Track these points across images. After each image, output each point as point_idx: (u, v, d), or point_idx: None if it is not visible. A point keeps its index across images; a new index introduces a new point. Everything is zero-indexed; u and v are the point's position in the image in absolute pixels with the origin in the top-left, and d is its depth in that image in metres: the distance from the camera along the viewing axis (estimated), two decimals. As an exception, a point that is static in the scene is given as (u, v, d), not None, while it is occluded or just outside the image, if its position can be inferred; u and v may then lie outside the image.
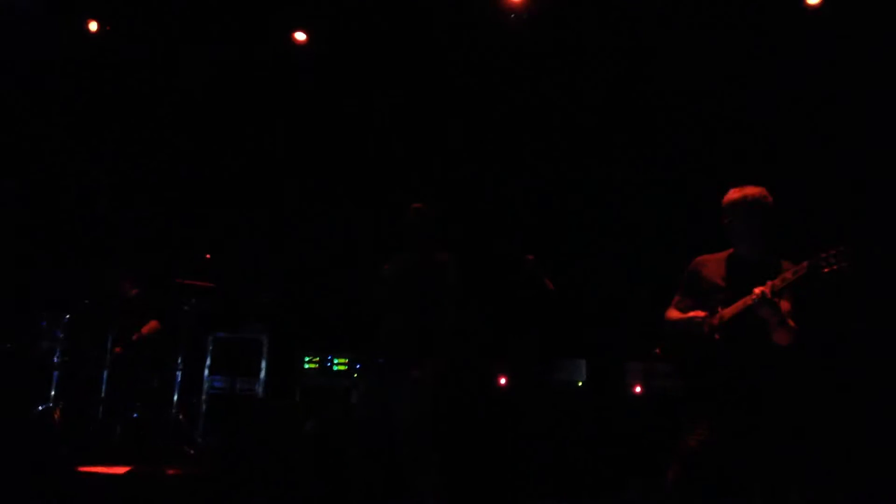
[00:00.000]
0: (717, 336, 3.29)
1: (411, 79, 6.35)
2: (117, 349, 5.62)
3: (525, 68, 6.06)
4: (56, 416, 5.16)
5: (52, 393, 5.31)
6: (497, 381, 5.65)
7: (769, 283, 3.05)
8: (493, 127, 6.34)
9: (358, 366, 5.81)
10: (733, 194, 3.42)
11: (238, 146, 6.93)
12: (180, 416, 5.74)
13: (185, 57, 6.45)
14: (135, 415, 5.58)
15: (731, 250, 3.49)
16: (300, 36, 6.22)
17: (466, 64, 6.10)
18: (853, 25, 5.19)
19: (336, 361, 5.92)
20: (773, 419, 3.26)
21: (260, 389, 5.95)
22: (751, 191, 3.38)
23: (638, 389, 5.39)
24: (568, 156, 6.26)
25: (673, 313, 3.54)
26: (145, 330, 5.78)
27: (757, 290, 3.05)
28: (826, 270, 2.95)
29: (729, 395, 3.29)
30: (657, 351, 3.66)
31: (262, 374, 5.98)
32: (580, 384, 5.55)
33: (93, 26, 6.23)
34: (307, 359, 5.96)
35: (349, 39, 6.22)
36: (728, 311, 3.30)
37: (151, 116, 6.81)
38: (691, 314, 3.42)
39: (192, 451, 5.67)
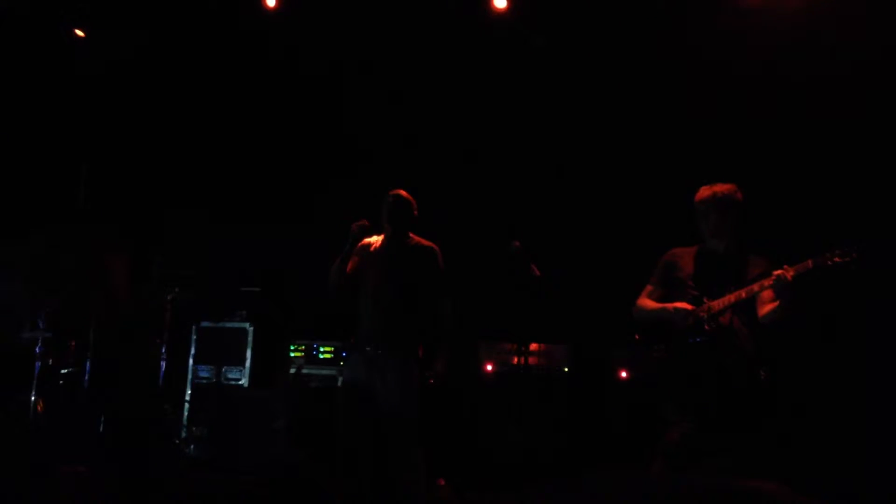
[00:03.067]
0: (707, 327, 3.39)
1: (397, 61, 6.29)
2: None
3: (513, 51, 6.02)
4: (39, 409, 5.13)
5: (34, 384, 5.28)
6: (483, 368, 5.65)
7: (787, 266, 3.21)
8: (475, 109, 6.29)
9: (344, 353, 5.79)
10: (704, 192, 3.55)
11: (220, 133, 6.86)
12: (166, 406, 5.73)
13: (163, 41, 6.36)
14: (119, 405, 5.57)
15: (701, 244, 3.58)
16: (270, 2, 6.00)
17: (448, 46, 6.04)
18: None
19: (322, 349, 5.91)
20: (761, 411, 3.31)
21: (246, 378, 5.93)
22: (721, 188, 3.52)
23: (624, 375, 5.41)
24: (554, 140, 6.23)
25: (646, 302, 3.64)
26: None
27: (777, 273, 3.21)
28: (836, 261, 3.15)
29: (715, 386, 3.32)
30: (636, 337, 3.69)
31: (248, 362, 5.96)
32: (566, 370, 5.55)
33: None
34: (293, 347, 5.94)
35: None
36: (718, 303, 3.40)
37: (135, 100, 6.74)
38: (676, 304, 3.48)
39: (177, 441, 5.66)
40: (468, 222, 6.02)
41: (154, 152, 6.86)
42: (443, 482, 4.56)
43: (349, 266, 4.15)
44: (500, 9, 5.69)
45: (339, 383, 5.44)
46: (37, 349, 5.34)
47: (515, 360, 5.53)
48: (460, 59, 6.08)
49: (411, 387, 4.06)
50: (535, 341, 5.55)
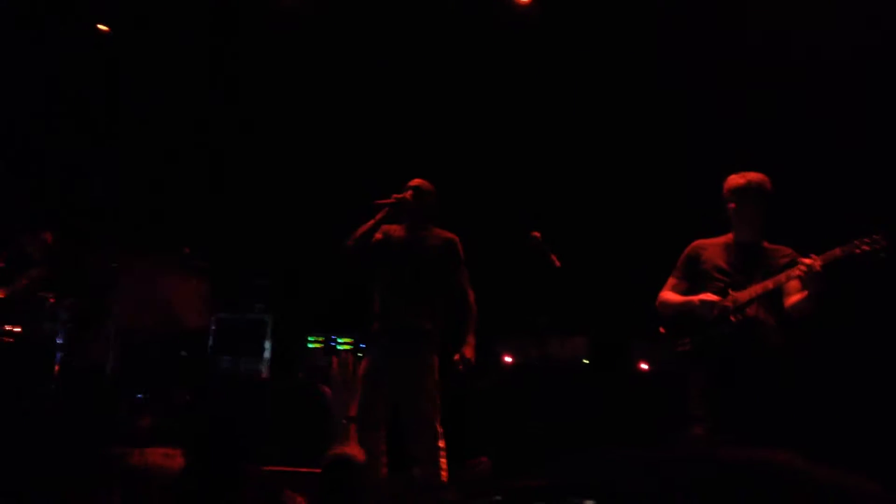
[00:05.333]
0: (733, 318, 3.32)
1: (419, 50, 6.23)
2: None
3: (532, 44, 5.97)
4: (59, 402, 5.16)
5: (56, 375, 5.31)
6: (502, 360, 5.62)
7: (814, 256, 3.14)
8: (496, 98, 6.24)
9: (362, 345, 5.78)
10: (736, 180, 3.46)
11: (238, 123, 6.85)
12: (186, 397, 5.74)
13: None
14: (139, 395, 5.58)
15: (730, 235, 3.52)
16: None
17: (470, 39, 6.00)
18: None
19: (339, 341, 5.90)
20: (789, 404, 3.26)
21: (264, 369, 5.94)
22: (754, 177, 3.44)
23: (644, 367, 5.36)
24: (572, 129, 6.17)
25: (670, 295, 3.57)
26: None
27: (806, 262, 3.14)
28: (864, 250, 3.09)
29: (742, 379, 3.27)
30: (661, 330, 3.65)
31: (266, 354, 5.96)
32: (585, 362, 5.51)
33: None
34: (311, 339, 5.94)
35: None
36: (743, 295, 3.33)
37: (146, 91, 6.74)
38: (701, 296, 3.42)
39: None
40: (487, 212, 5.98)
41: (171, 141, 6.86)
42: (485, 459, 4.53)
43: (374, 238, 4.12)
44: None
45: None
46: (57, 340, 5.36)
47: (534, 352, 5.49)
48: (479, 44, 6.02)
49: (430, 376, 4.03)
50: (555, 333, 5.51)
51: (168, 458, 2.49)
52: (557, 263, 4.18)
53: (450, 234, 4.23)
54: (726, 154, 4.10)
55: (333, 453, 2.54)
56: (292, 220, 6.59)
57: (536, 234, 4.18)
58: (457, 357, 4.08)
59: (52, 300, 5.37)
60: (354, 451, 2.51)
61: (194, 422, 5.03)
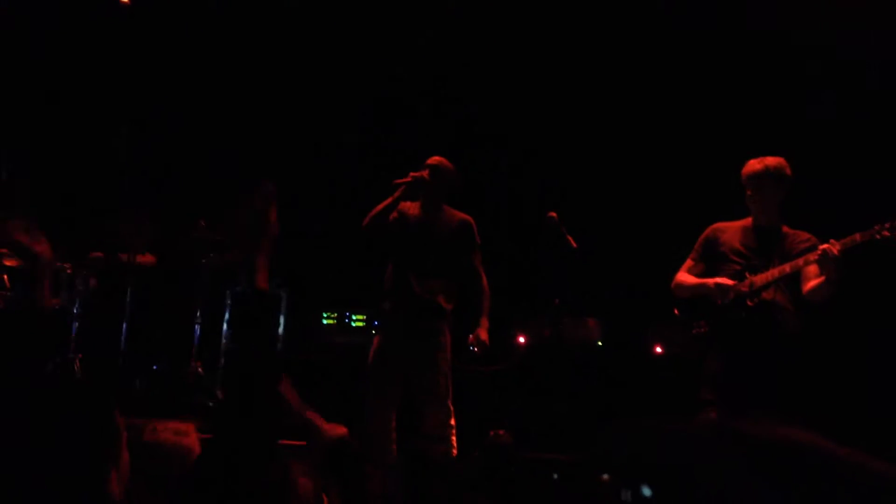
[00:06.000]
0: (749, 302, 3.31)
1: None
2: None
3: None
4: (76, 368, 5.20)
5: (72, 345, 5.35)
6: (516, 340, 5.62)
7: (833, 241, 3.12)
8: (516, 77, 6.19)
9: (375, 322, 5.79)
10: (754, 165, 3.45)
11: (257, 102, 6.84)
12: (199, 370, 5.77)
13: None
14: (154, 367, 5.62)
15: (749, 219, 3.50)
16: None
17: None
18: None
19: (354, 318, 5.91)
20: (804, 389, 3.25)
21: (278, 345, 5.96)
22: (772, 161, 3.43)
23: (658, 351, 5.34)
24: (591, 110, 6.12)
25: (686, 277, 3.57)
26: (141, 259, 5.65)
27: (824, 246, 3.12)
28: (885, 235, 3.07)
29: (758, 365, 3.26)
30: (675, 312, 3.64)
31: (280, 329, 5.98)
32: (599, 344, 5.50)
33: None
34: (325, 315, 5.95)
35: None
36: (760, 278, 3.31)
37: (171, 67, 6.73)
38: (717, 280, 3.41)
39: (210, 404, 5.71)
40: (506, 192, 5.96)
41: (190, 113, 6.85)
42: (502, 432, 4.54)
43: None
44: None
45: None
46: (74, 310, 5.40)
47: (548, 333, 5.49)
48: (502, 30, 5.97)
49: (443, 353, 4.04)
50: (569, 314, 5.49)
51: (180, 434, 2.45)
52: (574, 244, 4.16)
53: (465, 216, 4.20)
54: (747, 137, 4.07)
55: (331, 436, 2.52)
56: (307, 196, 6.59)
57: (553, 214, 4.15)
58: (471, 339, 4.09)
59: (69, 270, 5.40)
60: (341, 429, 2.48)
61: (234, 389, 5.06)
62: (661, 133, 5.87)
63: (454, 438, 3.99)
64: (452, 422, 3.99)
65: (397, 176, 4.09)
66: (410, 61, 6.37)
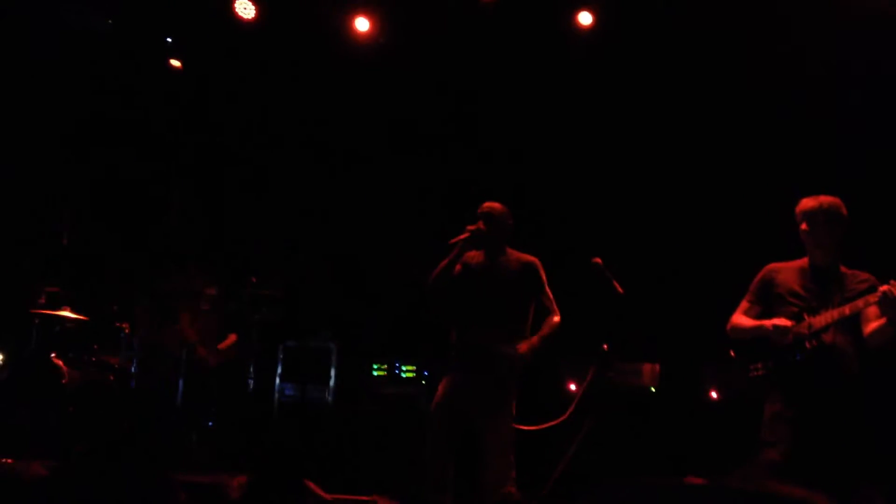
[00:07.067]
0: (808, 345, 3.23)
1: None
2: (201, 350, 5.58)
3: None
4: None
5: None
6: (567, 387, 5.56)
7: (893, 282, 3.05)
8: (558, 119, 6.23)
9: (426, 373, 5.80)
10: (809, 203, 3.40)
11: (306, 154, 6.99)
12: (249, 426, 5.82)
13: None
14: (210, 423, 5.69)
15: (805, 259, 3.45)
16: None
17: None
18: None
19: (404, 368, 5.93)
20: (864, 430, 3.16)
21: (330, 397, 6.00)
22: (827, 200, 3.38)
23: (714, 395, 5.23)
24: (640, 151, 6.10)
25: (742, 319, 3.51)
26: (224, 346, 5.77)
27: (884, 288, 3.05)
28: None
29: (818, 405, 3.18)
30: (731, 353, 3.57)
31: (332, 381, 6.03)
32: (653, 389, 5.41)
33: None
34: (376, 366, 5.99)
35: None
36: (819, 320, 3.24)
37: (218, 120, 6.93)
38: (775, 321, 3.35)
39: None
40: (549, 236, 5.95)
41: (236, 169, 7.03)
42: (513, 490, 4.48)
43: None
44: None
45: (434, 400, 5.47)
46: (132, 369, 5.49)
47: (596, 380, 5.41)
48: (543, 66, 6.01)
49: (510, 403, 4.01)
50: (621, 360, 5.42)
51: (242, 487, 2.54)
52: (620, 290, 4.12)
53: (529, 258, 4.20)
54: (802, 176, 4.01)
55: None
56: (358, 249, 6.68)
57: (598, 259, 4.14)
58: (517, 350, 4.00)
59: (126, 330, 5.53)
60: None
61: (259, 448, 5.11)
62: (714, 174, 5.82)
63: (514, 489, 3.94)
64: (513, 474, 3.95)
65: (451, 230, 4.12)
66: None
